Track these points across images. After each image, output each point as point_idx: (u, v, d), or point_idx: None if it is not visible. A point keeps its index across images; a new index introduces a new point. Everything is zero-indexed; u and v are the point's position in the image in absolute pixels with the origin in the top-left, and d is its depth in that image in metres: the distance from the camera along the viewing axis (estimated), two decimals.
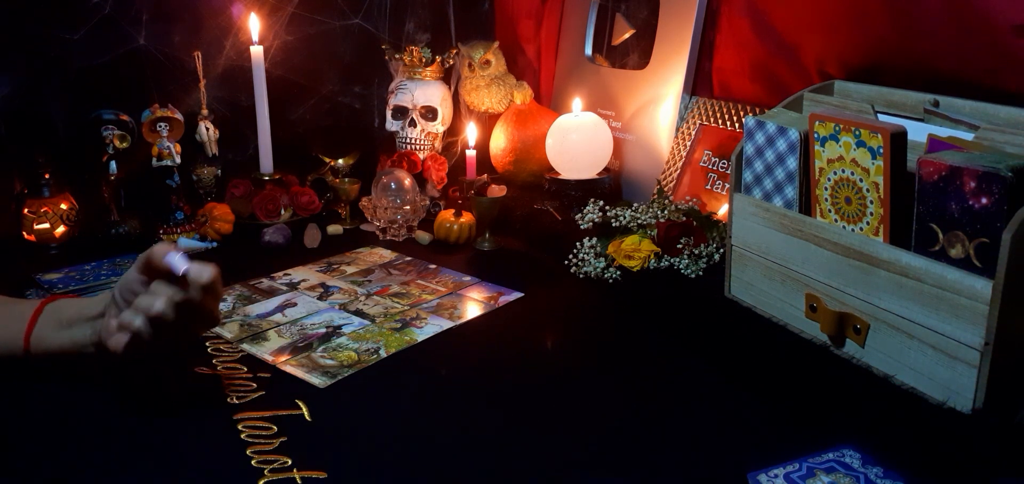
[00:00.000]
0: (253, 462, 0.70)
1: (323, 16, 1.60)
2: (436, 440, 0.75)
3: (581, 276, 1.17)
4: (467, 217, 1.35)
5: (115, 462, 0.71)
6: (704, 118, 1.39)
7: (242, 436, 0.74)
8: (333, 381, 0.86)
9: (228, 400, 0.81)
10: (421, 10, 1.71)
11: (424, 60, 1.55)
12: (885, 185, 0.84)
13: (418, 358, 0.93)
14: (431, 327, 1.01)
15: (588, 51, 1.64)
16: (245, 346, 0.94)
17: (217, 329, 0.97)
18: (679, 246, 1.18)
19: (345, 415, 0.79)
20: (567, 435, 0.76)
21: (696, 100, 1.42)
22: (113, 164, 1.32)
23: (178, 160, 1.34)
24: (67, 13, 1.34)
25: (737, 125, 1.33)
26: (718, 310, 1.05)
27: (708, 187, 1.34)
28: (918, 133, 0.88)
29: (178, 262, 0.74)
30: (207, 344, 0.94)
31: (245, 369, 0.88)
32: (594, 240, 1.22)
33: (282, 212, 1.45)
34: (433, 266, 1.24)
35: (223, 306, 1.07)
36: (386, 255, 1.30)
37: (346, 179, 1.46)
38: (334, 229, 1.40)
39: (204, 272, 0.75)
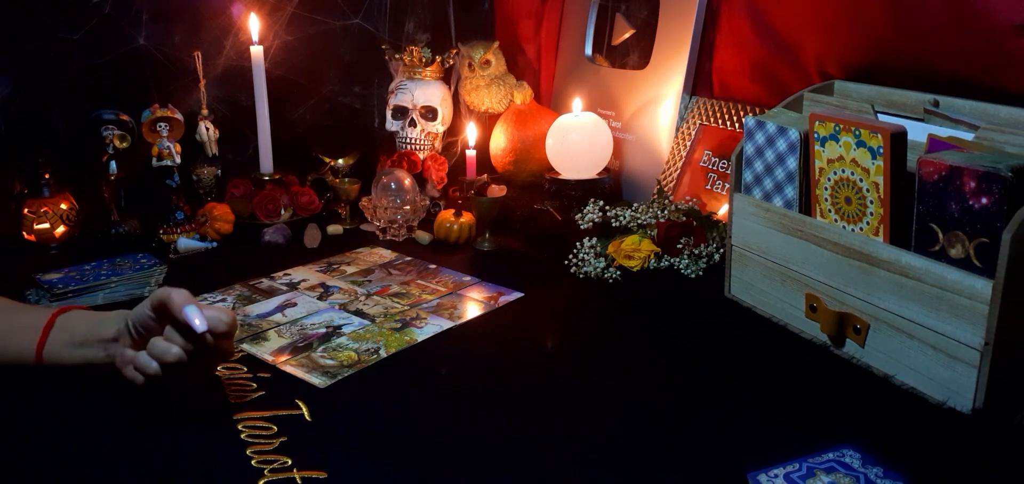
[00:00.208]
0: (253, 462, 0.70)
1: (323, 16, 1.60)
2: (436, 440, 0.75)
3: (581, 276, 1.17)
4: (467, 217, 1.35)
5: (115, 462, 0.71)
6: (704, 118, 1.39)
7: (242, 436, 0.74)
8: (333, 381, 0.86)
9: (228, 400, 0.81)
10: (421, 10, 1.71)
11: (424, 60, 1.55)
12: (885, 185, 0.84)
13: (418, 358, 0.93)
14: (431, 327, 1.01)
15: (588, 51, 1.64)
16: (245, 346, 0.94)
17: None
18: (679, 246, 1.18)
19: (345, 415, 0.79)
20: (567, 435, 0.76)
21: (696, 100, 1.42)
22: (113, 164, 1.32)
23: (178, 160, 1.34)
24: (67, 13, 1.34)
25: (737, 125, 1.33)
26: (718, 310, 1.06)
27: (708, 187, 1.34)
28: (918, 133, 0.88)
29: (198, 322, 0.73)
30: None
31: (245, 369, 0.88)
32: (594, 240, 1.22)
33: (282, 212, 1.45)
34: (433, 266, 1.24)
35: (223, 305, 1.07)
36: (386, 255, 1.30)
37: (346, 179, 1.46)
38: (334, 229, 1.40)
39: (221, 323, 0.75)
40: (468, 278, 1.18)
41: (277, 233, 1.33)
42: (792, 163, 0.96)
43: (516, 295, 1.11)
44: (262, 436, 0.74)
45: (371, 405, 0.82)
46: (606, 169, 1.47)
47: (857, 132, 0.86)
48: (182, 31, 1.45)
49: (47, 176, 1.28)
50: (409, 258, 1.28)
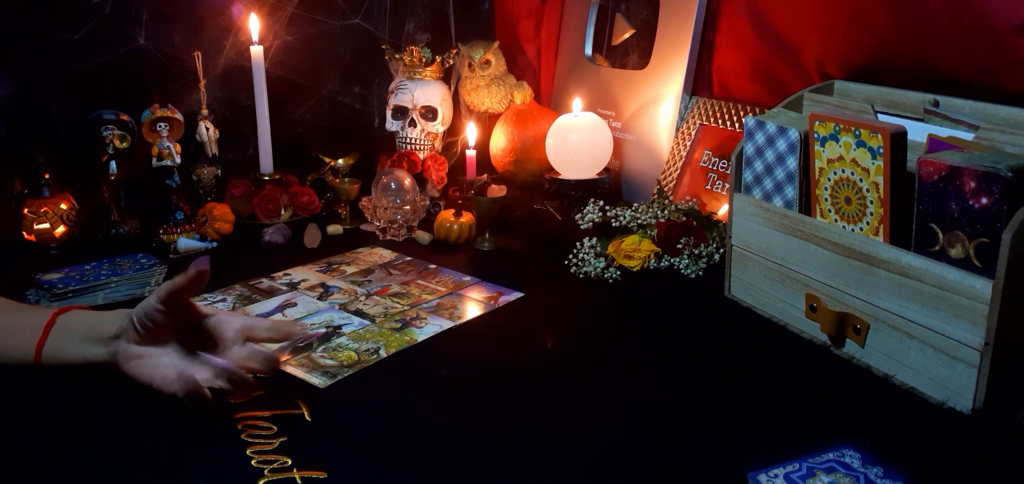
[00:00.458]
0: (253, 462, 0.70)
1: (323, 16, 1.60)
2: (436, 440, 0.75)
3: (581, 276, 1.17)
4: (467, 217, 1.35)
5: (115, 462, 0.71)
6: (704, 118, 1.39)
7: (242, 436, 0.74)
8: (333, 381, 0.86)
9: (228, 400, 0.81)
10: (421, 10, 1.71)
11: (424, 60, 1.55)
12: (885, 185, 0.84)
13: (418, 358, 0.93)
14: (431, 327, 1.01)
15: (588, 51, 1.64)
16: None
17: None
18: (679, 246, 1.18)
19: (345, 415, 0.79)
20: (567, 435, 0.76)
21: (696, 100, 1.42)
22: (113, 164, 1.32)
23: (178, 160, 1.34)
24: (67, 13, 1.34)
25: (737, 125, 1.33)
26: (718, 310, 1.06)
27: (708, 187, 1.34)
28: (918, 133, 0.88)
29: (200, 262, 0.75)
30: None
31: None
32: (594, 240, 1.22)
33: (282, 212, 1.45)
34: (433, 266, 1.24)
35: (223, 305, 1.07)
36: (386, 255, 1.30)
37: (346, 179, 1.46)
38: (334, 229, 1.40)
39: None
40: (468, 278, 1.18)
41: (277, 233, 1.33)
42: (792, 163, 0.96)
43: (516, 295, 1.11)
44: (262, 436, 0.74)
45: (371, 405, 0.82)
46: (606, 169, 1.47)
47: (857, 132, 0.86)
48: (182, 31, 1.45)
49: (47, 176, 1.28)
50: (409, 258, 1.28)
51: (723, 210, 1.26)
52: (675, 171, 1.41)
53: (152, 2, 1.41)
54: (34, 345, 0.80)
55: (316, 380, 0.86)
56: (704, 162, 1.36)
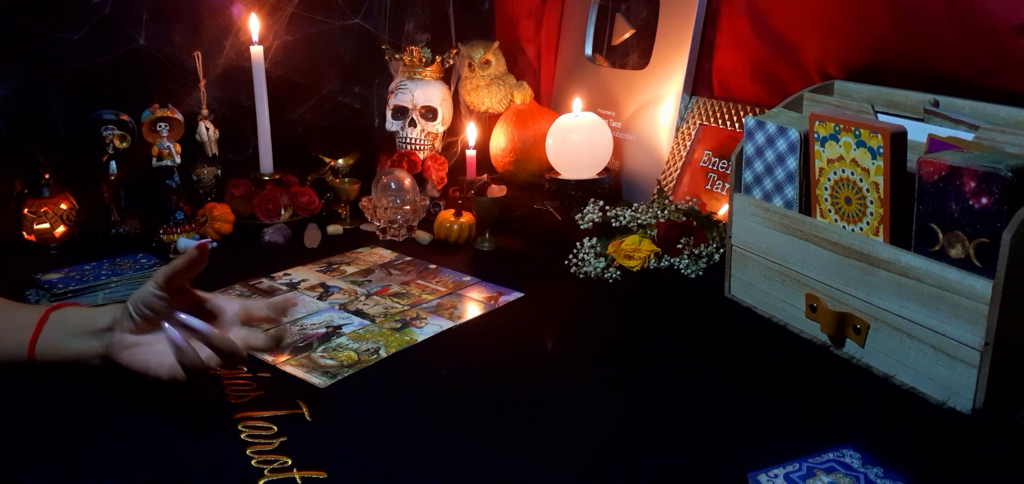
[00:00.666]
0: (253, 462, 0.70)
1: (323, 16, 1.60)
2: (436, 440, 0.75)
3: (581, 276, 1.17)
4: (467, 217, 1.35)
5: (115, 462, 0.71)
6: (704, 118, 1.39)
7: (242, 436, 0.74)
8: (333, 381, 0.86)
9: (228, 400, 0.81)
10: (421, 10, 1.71)
11: (424, 60, 1.55)
12: (885, 185, 0.84)
13: (418, 358, 0.93)
14: (431, 327, 1.01)
15: (588, 51, 1.64)
16: None
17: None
18: (679, 246, 1.18)
19: (345, 415, 0.79)
20: (567, 435, 0.76)
21: (696, 100, 1.42)
22: (113, 164, 1.32)
23: (178, 160, 1.33)
24: (67, 13, 1.34)
25: (737, 125, 1.33)
26: (718, 310, 1.06)
27: (708, 187, 1.34)
28: (918, 133, 0.88)
29: (193, 246, 0.75)
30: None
31: (245, 369, 0.88)
32: (594, 240, 1.22)
33: (282, 212, 1.45)
34: (433, 266, 1.24)
35: None
36: (386, 255, 1.30)
37: (346, 179, 1.46)
38: (334, 229, 1.40)
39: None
40: (468, 278, 1.18)
41: (277, 233, 1.33)
42: (792, 163, 0.96)
43: (516, 295, 1.11)
44: (262, 436, 0.74)
45: (371, 405, 0.82)
46: (606, 169, 1.47)
47: (857, 132, 0.86)
48: (182, 31, 1.45)
49: (47, 176, 1.28)
50: (409, 258, 1.28)
51: (723, 210, 1.26)
52: (675, 171, 1.41)
53: (152, 2, 1.41)
54: (27, 341, 0.80)
55: (316, 380, 0.86)
56: (704, 162, 1.36)
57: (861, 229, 0.88)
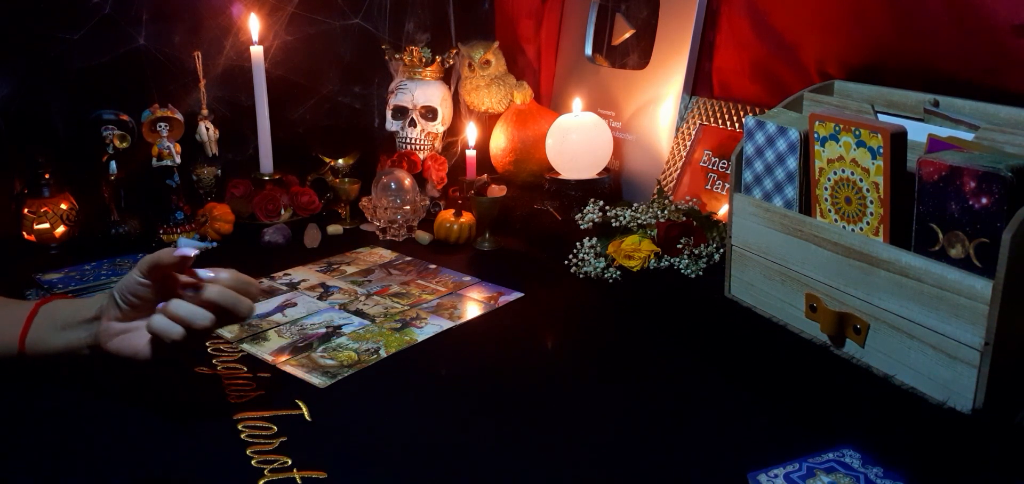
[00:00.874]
0: (253, 462, 0.70)
1: (323, 16, 1.60)
2: (436, 440, 0.75)
3: (581, 276, 1.17)
4: (467, 217, 1.35)
5: (115, 462, 0.71)
6: (704, 118, 1.39)
7: (242, 436, 0.74)
8: (333, 381, 0.86)
9: (228, 400, 0.81)
10: (421, 10, 1.71)
11: (424, 60, 1.55)
12: (885, 185, 0.84)
13: (418, 358, 0.93)
14: (431, 327, 1.01)
15: (588, 51, 1.65)
16: (245, 346, 0.94)
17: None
18: (679, 246, 1.18)
19: (345, 415, 0.79)
20: (567, 435, 0.76)
21: (696, 100, 1.42)
22: (113, 164, 1.32)
23: (178, 160, 1.34)
24: (67, 13, 1.34)
25: (737, 125, 1.33)
26: (718, 310, 1.06)
27: (708, 187, 1.34)
28: (918, 133, 0.88)
29: (192, 252, 0.74)
30: (207, 344, 0.94)
31: (245, 369, 0.88)
32: (594, 240, 1.22)
33: (282, 212, 1.45)
34: (433, 266, 1.24)
35: None
36: (386, 255, 1.30)
37: (346, 179, 1.46)
38: (334, 229, 1.40)
39: (222, 273, 0.77)
40: (468, 278, 1.18)
41: (277, 233, 1.33)
42: (792, 163, 0.96)
43: (516, 295, 1.11)
44: (262, 436, 0.74)
45: (371, 405, 0.82)
46: (606, 169, 1.47)
47: (857, 132, 0.86)
48: (182, 31, 1.45)
49: (47, 176, 1.28)
50: (409, 258, 1.28)
51: (723, 210, 1.26)
52: (675, 171, 1.41)
53: (152, 2, 1.41)
54: (17, 336, 0.80)
55: (316, 380, 0.86)
56: (704, 162, 1.36)
57: (861, 229, 0.88)
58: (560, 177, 1.45)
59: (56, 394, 0.81)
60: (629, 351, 0.95)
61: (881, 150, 0.83)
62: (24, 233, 1.28)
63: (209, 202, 1.39)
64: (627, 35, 1.59)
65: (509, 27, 1.76)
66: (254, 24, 1.43)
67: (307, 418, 0.78)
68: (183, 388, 0.84)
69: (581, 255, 1.20)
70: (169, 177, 1.33)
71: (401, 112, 1.56)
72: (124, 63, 1.40)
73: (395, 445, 0.74)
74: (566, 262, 1.21)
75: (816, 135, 0.91)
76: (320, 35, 1.61)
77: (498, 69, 1.62)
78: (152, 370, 0.76)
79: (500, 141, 1.58)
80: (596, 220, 1.25)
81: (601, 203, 1.27)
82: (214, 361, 0.90)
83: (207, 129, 1.42)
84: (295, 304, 1.08)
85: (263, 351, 0.93)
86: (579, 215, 1.28)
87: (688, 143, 1.40)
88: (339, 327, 1.00)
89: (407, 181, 1.38)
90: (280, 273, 1.20)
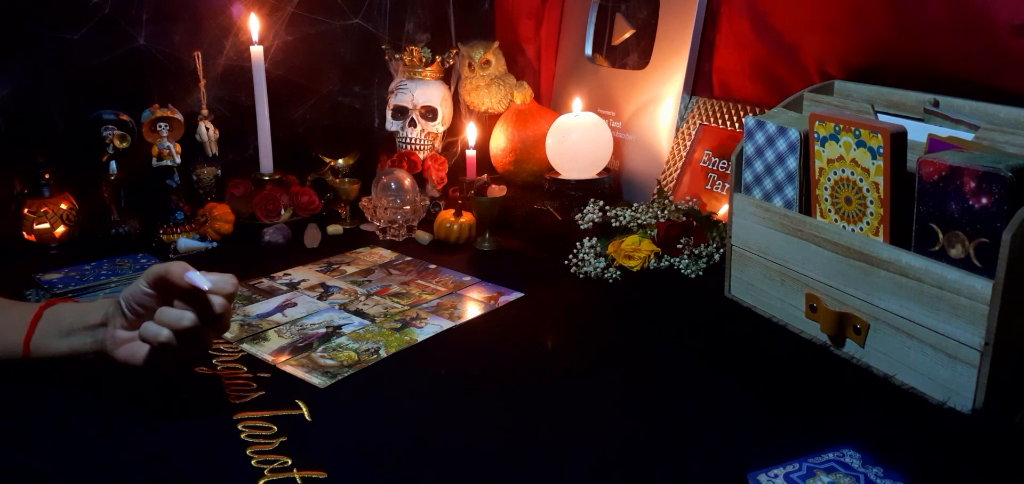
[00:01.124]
0: (253, 462, 0.70)
1: (323, 16, 1.60)
2: (436, 440, 0.75)
3: (581, 276, 1.17)
4: (467, 217, 1.35)
5: (115, 462, 0.71)
6: (704, 118, 1.39)
7: (242, 436, 0.74)
8: (333, 381, 0.86)
9: (228, 400, 0.81)
10: (421, 10, 1.71)
11: (424, 60, 1.55)
12: (885, 185, 0.84)
13: (418, 358, 0.93)
14: (431, 327, 1.01)
15: (588, 51, 1.65)
16: (245, 346, 0.94)
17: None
18: (679, 246, 1.18)
19: (345, 415, 0.79)
20: (567, 435, 0.76)
21: (696, 100, 1.42)
22: (113, 164, 1.32)
23: (178, 160, 1.34)
24: (67, 13, 1.34)
25: (737, 125, 1.33)
26: (718, 310, 1.05)
27: (708, 187, 1.34)
28: (918, 133, 0.88)
29: (202, 280, 0.74)
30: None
31: (245, 369, 0.88)
32: (594, 240, 1.22)
33: (282, 212, 1.45)
34: (433, 266, 1.24)
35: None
36: (386, 255, 1.30)
37: (346, 179, 1.46)
38: (334, 229, 1.40)
39: (227, 283, 0.76)
40: (468, 278, 1.18)
41: (277, 233, 1.33)
42: (792, 163, 0.96)
43: (516, 295, 1.11)
44: (262, 436, 0.74)
45: (371, 405, 0.82)
46: (606, 169, 1.47)
47: (857, 132, 0.86)
48: (182, 31, 1.45)
49: (47, 176, 1.28)
50: (409, 258, 1.28)
51: (723, 210, 1.26)
52: (675, 171, 1.41)
53: (152, 2, 1.41)
54: (22, 339, 0.80)
55: (316, 380, 0.86)
56: (704, 162, 1.36)
57: (861, 229, 0.88)
58: (560, 177, 1.45)
59: (55, 394, 0.81)
60: (629, 351, 0.95)
61: (881, 150, 0.83)
62: (24, 233, 1.28)
63: (209, 202, 1.39)
64: (627, 35, 1.59)
65: (509, 27, 1.76)
66: (254, 24, 1.43)
67: (307, 418, 0.78)
68: (183, 388, 0.84)
69: (581, 255, 1.20)
70: (169, 177, 1.33)
71: (401, 112, 1.56)
72: (124, 63, 1.40)
73: (395, 445, 0.74)
74: (566, 262, 1.21)
75: (816, 135, 0.91)
76: (320, 35, 1.61)
77: (498, 69, 1.62)
78: (157, 379, 0.76)
79: (500, 141, 1.58)
80: (596, 220, 1.25)
81: (601, 203, 1.27)
82: (214, 361, 0.90)
83: (207, 129, 1.42)
84: (295, 304, 1.08)
85: (263, 351, 0.93)
86: (579, 215, 1.28)
87: (688, 143, 1.40)
88: (339, 327, 1.00)
89: (407, 181, 1.38)
90: (280, 273, 1.20)
